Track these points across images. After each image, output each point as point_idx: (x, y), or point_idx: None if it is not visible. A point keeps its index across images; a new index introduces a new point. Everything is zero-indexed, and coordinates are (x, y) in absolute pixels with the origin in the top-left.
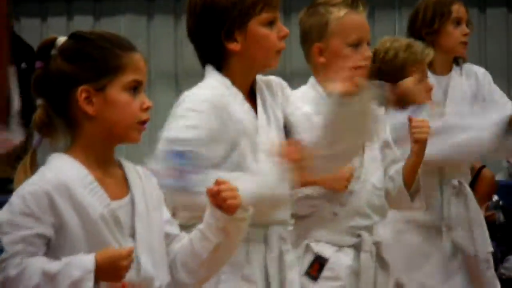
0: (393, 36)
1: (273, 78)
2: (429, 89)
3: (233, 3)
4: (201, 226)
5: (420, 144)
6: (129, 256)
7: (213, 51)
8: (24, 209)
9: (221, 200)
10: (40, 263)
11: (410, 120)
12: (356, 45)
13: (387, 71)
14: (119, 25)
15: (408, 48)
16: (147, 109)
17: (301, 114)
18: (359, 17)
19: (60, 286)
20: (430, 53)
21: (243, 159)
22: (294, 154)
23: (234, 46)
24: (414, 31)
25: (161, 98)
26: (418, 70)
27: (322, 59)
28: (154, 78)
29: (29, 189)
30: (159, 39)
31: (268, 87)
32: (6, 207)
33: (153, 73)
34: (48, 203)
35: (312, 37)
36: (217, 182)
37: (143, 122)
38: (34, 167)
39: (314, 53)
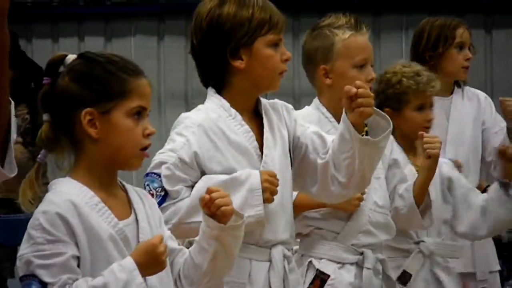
0: (400, 57)
1: (278, 101)
2: (429, 120)
3: (240, 23)
4: (197, 238)
5: (432, 159)
6: (162, 241)
7: (216, 69)
8: (48, 237)
9: (214, 207)
10: (84, 283)
11: (421, 136)
12: (361, 66)
13: (390, 95)
14: (130, 46)
15: (415, 76)
16: (149, 135)
17: (311, 132)
18: (363, 38)
19: None
20: (436, 86)
21: None
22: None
23: (239, 64)
24: (417, 53)
25: (171, 118)
26: (419, 99)
27: (328, 81)
28: (165, 98)
29: (42, 217)
30: (170, 60)
31: (274, 109)
32: (26, 243)
33: (163, 93)
34: (64, 224)
35: (317, 59)
36: (209, 191)
37: (145, 148)
38: (38, 181)
39: (319, 75)
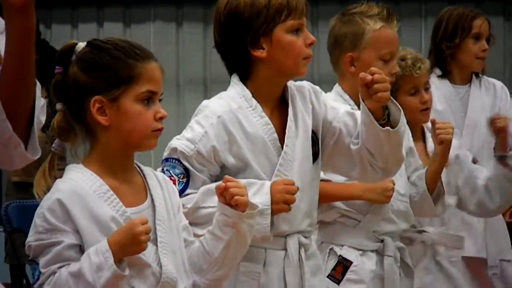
0: (419, 45)
1: (306, 84)
2: (424, 102)
3: (258, 11)
4: (211, 227)
5: (445, 145)
6: (144, 222)
7: (239, 60)
8: (46, 226)
9: (229, 195)
10: (65, 270)
11: (433, 122)
12: (387, 60)
13: None
14: (149, 32)
15: (399, 61)
16: (161, 118)
17: (344, 114)
18: (393, 32)
19: (88, 277)
20: (422, 69)
21: (256, 175)
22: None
23: (260, 54)
24: (435, 43)
25: (190, 104)
26: (409, 83)
27: (352, 69)
28: (183, 85)
29: (45, 205)
30: (188, 46)
31: (300, 94)
32: (32, 230)
33: (182, 80)
34: (62, 210)
35: (345, 45)
36: (225, 179)
37: (158, 130)
38: (53, 171)
39: (345, 62)
